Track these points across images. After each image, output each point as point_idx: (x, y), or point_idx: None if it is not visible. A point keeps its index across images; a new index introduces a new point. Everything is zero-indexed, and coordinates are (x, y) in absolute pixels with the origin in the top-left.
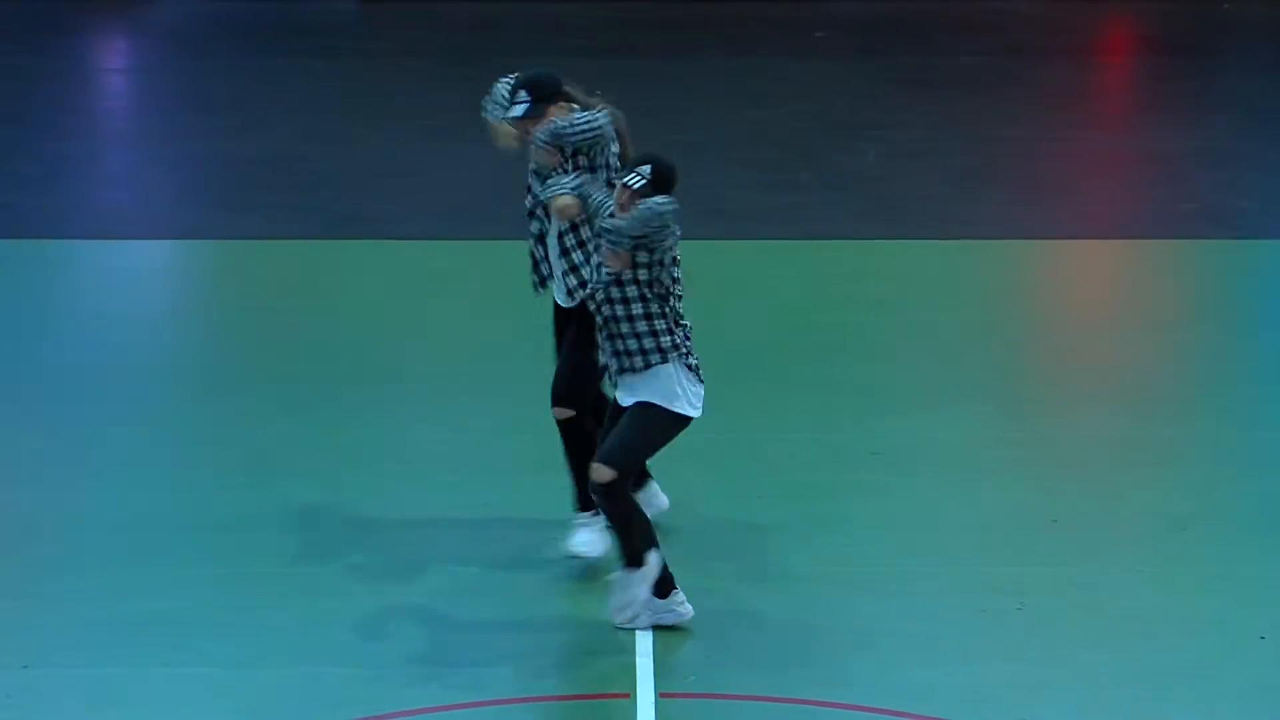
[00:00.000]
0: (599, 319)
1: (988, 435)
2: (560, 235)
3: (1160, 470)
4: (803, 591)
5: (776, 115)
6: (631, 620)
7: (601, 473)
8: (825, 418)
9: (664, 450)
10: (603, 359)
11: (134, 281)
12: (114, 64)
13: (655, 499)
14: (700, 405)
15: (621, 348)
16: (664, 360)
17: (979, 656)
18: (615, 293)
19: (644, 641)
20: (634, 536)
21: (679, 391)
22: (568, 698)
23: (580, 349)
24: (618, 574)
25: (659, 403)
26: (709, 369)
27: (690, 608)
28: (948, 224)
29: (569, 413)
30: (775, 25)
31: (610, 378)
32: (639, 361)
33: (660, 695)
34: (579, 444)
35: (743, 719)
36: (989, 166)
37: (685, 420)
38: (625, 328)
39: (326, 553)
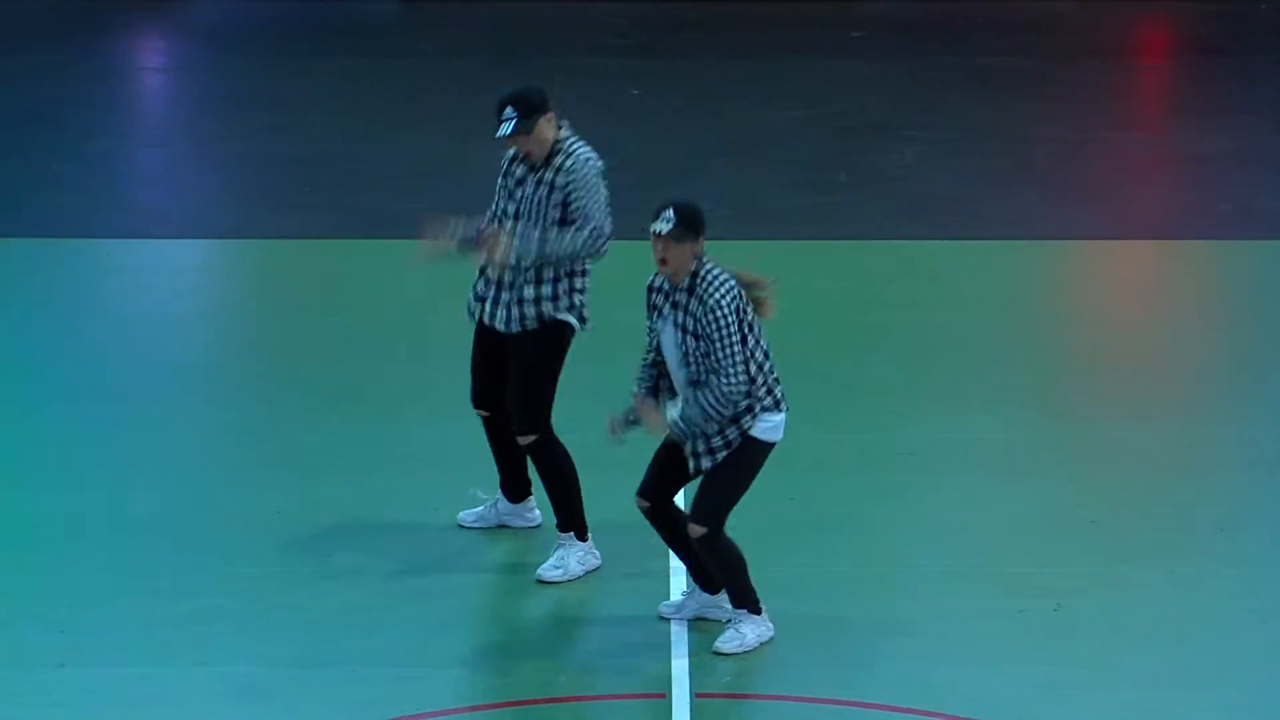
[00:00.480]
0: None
1: (1025, 436)
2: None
3: (1198, 471)
4: (839, 592)
5: (813, 115)
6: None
7: (696, 530)
8: (861, 418)
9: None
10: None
11: (171, 281)
12: (151, 63)
13: None
14: (780, 429)
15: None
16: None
17: (1016, 657)
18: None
19: (680, 642)
20: (740, 576)
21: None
22: (604, 698)
23: (534, 376)
24: (732, 614)
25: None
26: None
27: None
28: (984, 224)
29: (533, 438)
30: (813, 25)
31: (693, 459)
32: (734, 436)
33: (696, 695)
34: (552, 463)
35: (778, 719)
36: (1025, 167)
37: (770, 446)
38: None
39: (365, 552)
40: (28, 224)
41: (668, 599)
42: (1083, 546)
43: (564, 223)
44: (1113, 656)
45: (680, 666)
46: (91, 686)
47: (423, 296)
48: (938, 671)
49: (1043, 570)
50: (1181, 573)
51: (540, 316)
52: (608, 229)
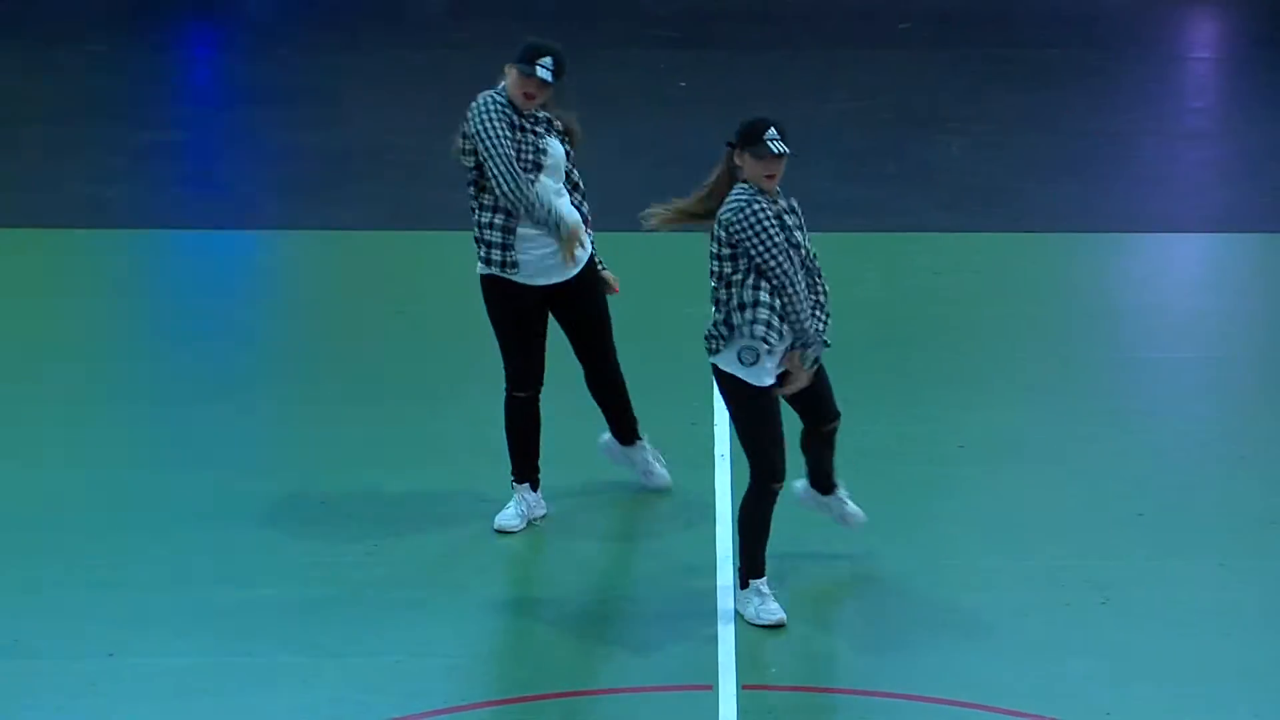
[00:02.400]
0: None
1: (1073, 429)
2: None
3: (1247, 464)
4: (886, 585)
5: (860, 107)
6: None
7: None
8: (910, 411)
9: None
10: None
11: (219, 272)
12: (200, 54)
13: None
14: None
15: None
16: None
17: (1063, 650)
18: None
19: (726, 634)
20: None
21: None
22: (649, 689)
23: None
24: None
25: None
26: None
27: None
28: (1031, 217)
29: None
30: (860, 17)
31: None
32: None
33: (743, 687)
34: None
35: (825, 712)
36: (1073, 159)
37: None
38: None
39: (410, 543)
40: (79, 215)
41: (714, 591)
42: (1130, 539)
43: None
44: (1161, 650)
45: (726, 657)
46: (139, 676)
47: (473, 288)
48: (985, 664)
49: (1090, 563)
50: (1230, 565)
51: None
52: None
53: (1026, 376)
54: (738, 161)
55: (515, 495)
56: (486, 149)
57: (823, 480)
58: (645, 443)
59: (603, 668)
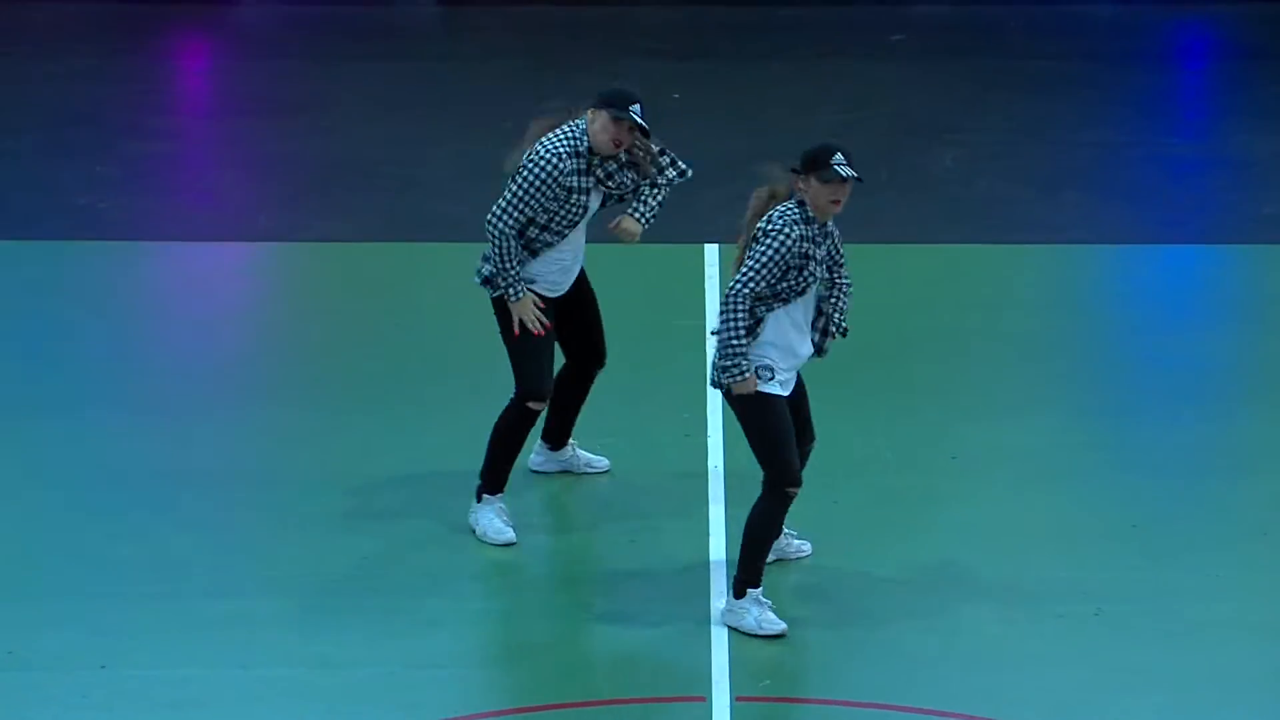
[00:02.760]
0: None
1: (1066, 440)
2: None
3: (1240, 475)
4: (881, 596)
5: (855, 119)
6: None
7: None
8: (904, 422)
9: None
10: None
11: (212, 284)
12: (192, 66)
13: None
14: None
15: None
16: None
17: (1057, 661)
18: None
19: (719, 644)
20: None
21: None
22: (642, 700)
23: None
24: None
25: None
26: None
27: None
28: (1025, 229)
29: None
30: (853, 28)
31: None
32: None
33: (736, 699)
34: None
35: None
36: (1066, 171)
37: None
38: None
39: (404, 555)
40: (69, 227)
41: (707, 602)
42: (1124, 550)
43: None
44: (1154, 661)
45: (720, 669)
46: (133, 689)
47: (466, 299)
48: (978, 675)
49: (1083, 574)
50: (1224, 577)
51: None
52: None
53: (1020, 388)
54: (801, 187)
55: (494, 507)
56: (512, 194)
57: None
58: (574, 444)
59: (596, 679)
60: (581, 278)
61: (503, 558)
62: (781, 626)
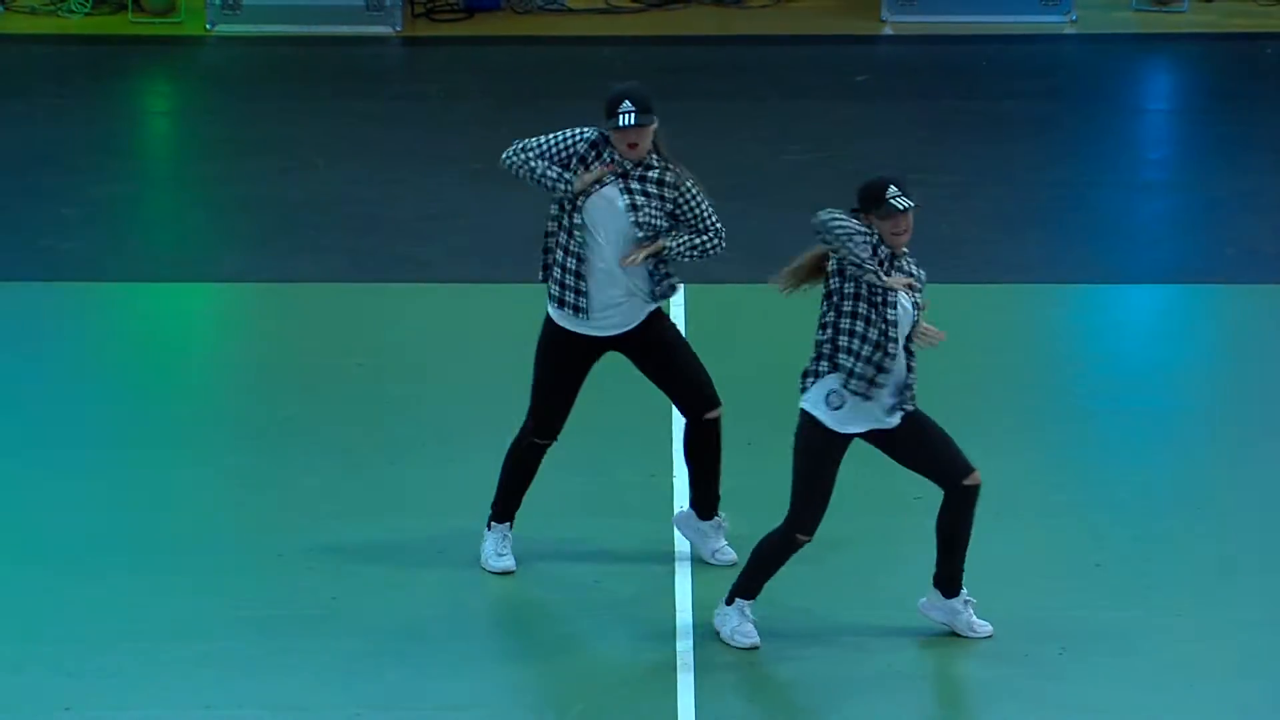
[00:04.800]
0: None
1: (1029, 479)
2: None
3: (1205, 513)
4: (843, 635)
5: (820, 159)
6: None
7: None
8: (865, 461)
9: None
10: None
11: (176, 325)
12: (157, 106)
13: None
14: None
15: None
16: None
17: (1021, 699)
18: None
19: (685, 684)
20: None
21: None
22: None
23: (689, 351)
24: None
25: None
26: (757, 415)
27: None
28: (989, 268)
29: (720, 407)
30: (818, 69)
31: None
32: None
33: None
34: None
35: None
36: (1030, 211)
37: None
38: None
39: (369, 595)
40: (33, 268)
41: (673, 634)
42: (1088, 589)
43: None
44: (1120, 701)
45: (686, 708)
46: None
47: (431, 340)
48: (944, 714)
49: (1048, 613)
50: (1187, 615)
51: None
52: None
53: (984, 427)
54: (870, 222)
55: (498, 533)
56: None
57: (949, 584)
58: (722, 519)
59: (563, 715)
60: (655, 321)
61: (464, 598)
62: (752, 640)
